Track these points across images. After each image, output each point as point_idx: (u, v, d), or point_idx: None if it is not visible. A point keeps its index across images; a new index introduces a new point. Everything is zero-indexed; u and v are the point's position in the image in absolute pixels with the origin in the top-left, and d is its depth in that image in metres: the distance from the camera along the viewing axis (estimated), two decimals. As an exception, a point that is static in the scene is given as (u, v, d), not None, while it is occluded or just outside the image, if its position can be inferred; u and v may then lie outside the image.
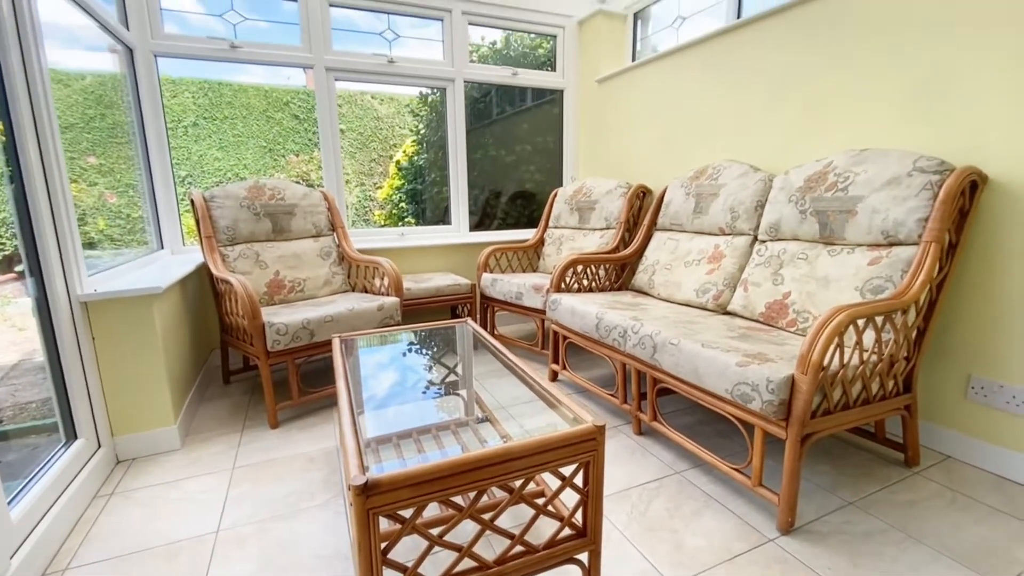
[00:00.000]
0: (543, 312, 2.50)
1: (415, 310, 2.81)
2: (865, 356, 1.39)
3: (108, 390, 1.71)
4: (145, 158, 2.50)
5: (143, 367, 1.75)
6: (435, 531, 1.22)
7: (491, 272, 3.04)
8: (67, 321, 1.55)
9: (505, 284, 2.72)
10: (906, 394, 1.57)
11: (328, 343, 2.08)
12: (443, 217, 3.58)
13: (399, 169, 4.26)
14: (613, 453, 1.77)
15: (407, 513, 0.88)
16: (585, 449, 0.99)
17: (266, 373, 1.96)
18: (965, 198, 1.53)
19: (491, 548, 1.28)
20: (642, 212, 2.92)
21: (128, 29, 2.38)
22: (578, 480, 1.06)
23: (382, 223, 4.38)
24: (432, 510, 1.37)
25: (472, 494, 0.93)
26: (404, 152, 4.31)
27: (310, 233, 2.63)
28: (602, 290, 2.61)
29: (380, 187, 4.41)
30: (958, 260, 1.58)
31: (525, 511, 1.41)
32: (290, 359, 2.01)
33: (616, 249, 2.71)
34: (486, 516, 0.95)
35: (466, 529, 1.33)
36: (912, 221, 1.53)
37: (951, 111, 1.64)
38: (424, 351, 1.86)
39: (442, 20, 3.15)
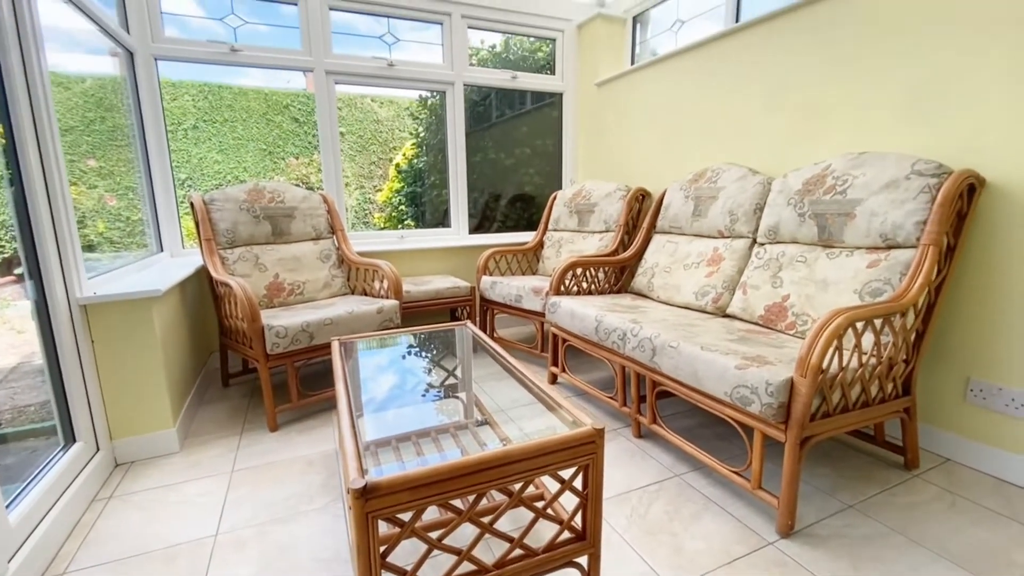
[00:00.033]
0: (542, 315, 2.50)
1: (414, 313, 2.81)
2: (864, 359, 1.39)
3: (107, 393, 1.71)
4: (145, 161, 2.51)
5: (142, 370, 1.75)
6: (434, 534, 1.22)
7: (490, 275, 3.04)
8: (66, 324, 1.55)
9: (504, 287, 2.72)
10: (905, 397, 1.58)
11: (327, 346, 2.08)
12: (442, 220, 3.58)
13: (399, 172, 4.27)
14: (612, 456, 1.77)
15: (406, 516, 0.88)
16: (584, 452, 0.99)
17: (265, 376, 1.96)
18: (963, 201, 1.54)
19: (490, 551, 1.28)
20: (641, 215, 2.92)
21: (129, 32, 2.39)
22: (577, 483, 1.06)
23: (382, 226, 4.39)
24: (431, 513, 1.37)
25: (471, 497, 0.93)
26: (404, 155, 4.31)
27: (310, 236, 2.63)
28: (601, 293, 2.61)
29: (380, 190, 4.42)
30: (956, 263, 1.58)
31: (524, 514, 1.41)
32: (289, 362, 2.01)
33: (615, 252, 2.71)
34: (485, 519, 0.95)
35: (465, 532, 1.33)
36: (910, 224, 1.54)
37: (949, 114, 1.64)
38: (423, 354, 1.86)
39: (442, 24, 3.16)
